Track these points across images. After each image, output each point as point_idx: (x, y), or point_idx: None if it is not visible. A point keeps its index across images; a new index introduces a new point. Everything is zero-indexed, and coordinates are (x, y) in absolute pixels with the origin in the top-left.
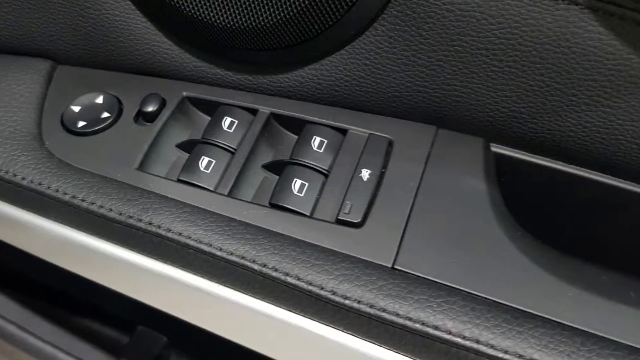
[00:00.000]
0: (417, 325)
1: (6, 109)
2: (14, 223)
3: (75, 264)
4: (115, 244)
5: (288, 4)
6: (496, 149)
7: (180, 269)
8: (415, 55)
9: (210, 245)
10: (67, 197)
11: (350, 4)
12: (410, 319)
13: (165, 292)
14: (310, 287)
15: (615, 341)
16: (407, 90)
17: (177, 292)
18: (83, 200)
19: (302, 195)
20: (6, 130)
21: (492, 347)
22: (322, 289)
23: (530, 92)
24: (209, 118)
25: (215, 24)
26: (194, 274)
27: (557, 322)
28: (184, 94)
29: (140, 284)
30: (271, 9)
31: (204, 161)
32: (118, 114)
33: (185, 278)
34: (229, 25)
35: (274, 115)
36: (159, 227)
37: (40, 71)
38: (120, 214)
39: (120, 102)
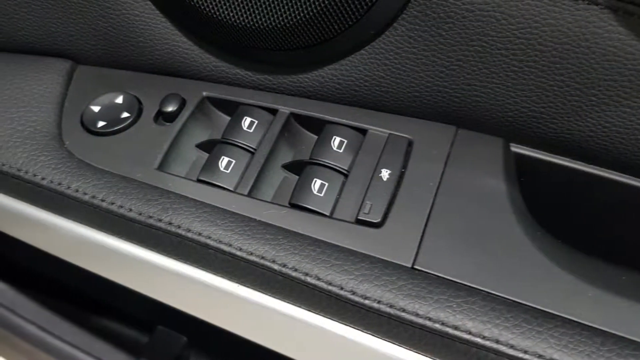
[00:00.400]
0: (437, 325)
1: (26, 108)
2: (33, 223)
3: (95, 264)
4: (135, 243)
5: (308, 4)
6: (516, 149)
7: (200, 268)
8: (435, 55)
9: (230, 245)
10: (87, 197)
11: (370, 4)
12: (430, 319)
13: (184, 292)
14: (329, 287)
15: (635, 341)
16: (427, 90)
17: (197, 292)
18: (103, 200)
19: (321, 195)
20: (26, 130)
21: (511, 347)
22: (341, 289)
23: (550, 92)
24: (228, 118)
25: (235, 24)
26: (214, 273)
27: (576, 322)
28: (204, 94)
29: (160, 283)
30: (291, 9)
31: (223, 161)
32: (138, 114)
33: (205, 278)
34: (249, 25)
35: (293, 115)
36: (179, 227)
37: (60, 71)
38: (140, 214)
39: (140, 102)
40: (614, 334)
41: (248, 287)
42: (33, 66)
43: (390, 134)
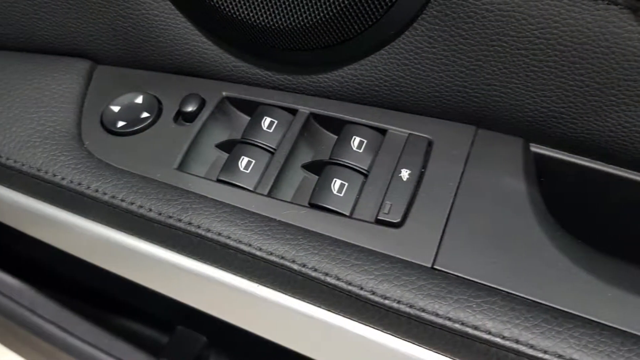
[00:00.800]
0: (457, 325)
1: (46, 109)
2: (53, 223)
3: (115, 264)
4: (155, 243)
5: (328, 4)
6: (536, 149)
7: (219, 268)
8: (454, 55)
9: (250, 245)
10: (106, 197)
11: (389, 4)
12: (449, 319)
13: (204, 292)
14: (349, 287)
15: None
16: (447, 90)
17: (217, 292)
18: (123, 200)
19: (341, 195)
20: (46, 130)
21: (531, 347)
22: (361, 288)
23: (570, 92)
24: (248, 118)
25: (254, 24)
26: (234, 273)
27: (596, 322)
28: (224, 94)
29: (180, 283)
30: (311, 9)
31: (243, 161)
32: (157, 114)
33: (224, 278)
34: (268, 25)
35: (313, 115)
36: (199, 227)
37: (79, 71)
38: (160, 213)
39: (159, 102)
40: (634, 334)
41: (268, 287)
42: (53, 66)
43: (410, 134)
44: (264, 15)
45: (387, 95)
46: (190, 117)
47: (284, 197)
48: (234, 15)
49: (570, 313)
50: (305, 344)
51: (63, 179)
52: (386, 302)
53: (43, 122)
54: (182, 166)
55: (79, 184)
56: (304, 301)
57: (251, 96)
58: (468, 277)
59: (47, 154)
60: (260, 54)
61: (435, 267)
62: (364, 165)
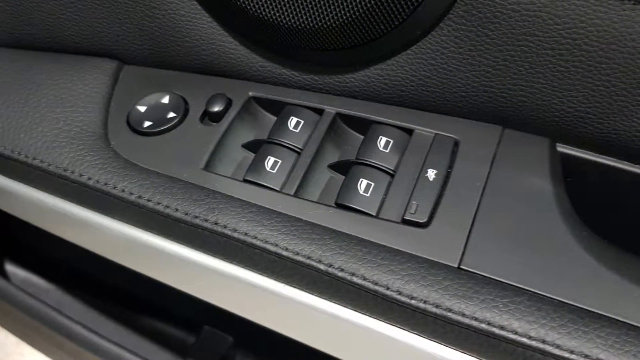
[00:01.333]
0: (483, 325)
1: (73, 109)
2: (80, 223)
3: (141, 264)
4: (181, 244)
5: (354, 4)
6: (562, 149)
7: (246, 269)
8: (481, 55)
9: (276, 245)
10: (133, 197)
11: (416, 4)
12: (476, 319)
13: (231, 292)
14: (376, 287)
15: None
16: (473, 90)
17: (243, 292)
18: (149, 201)
19: (368, 195)
20: (72, 130)
21: (558, 347)
22: (388, 289)
23: (596, 92)
24: (274, 118)
25: (281, 24)
26: (260, 274)
27: (623, 322)
28: (250, 94)
29: (206, 284)
30: (337, 9)
31: (269, 161)
32: (184, 114)
33: (251, 278)
34: (295, 26)
35: (339, 115)
36: (225, 227)
37: (106, 71)
38: (186, 214)
39: (186, 102)
40: None
41: (294, 287)
42: (79, 66)
43: (436, 134)
44: (291, 15)
45: (413, 95)
46: (217, 117)
47: (310, 197)
48: (261, 16)
49: (597, 313)
50: (331, 344)
51: (89, 179)
52: (413, 302)
53: (70, 122)
54: (208, 166)
55: (106, 184)
56: (330, 301)
57: (277, 96)
58: (494, 277)
59: (73, 154)
60: (286, 54)
61: (461, 267)
62: (390, 165)
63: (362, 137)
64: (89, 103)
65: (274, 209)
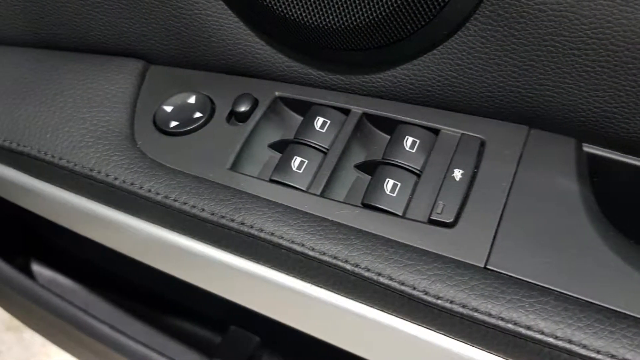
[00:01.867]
0: (510, 325)
1: (99, 108)
2: (106, 223)
3: (167, 264)
4: (208, 244)
5: (381, 4)
6: (588, 149)
7: (272, 269)
8: (507, 55)
9: (303, 245)
10: (159, 197)
11: (442, 4)
12: (502, 319)
13: (257, 292)
14: (402, 287)
15: None
16: (500, 90)
17: (270, 292)
18: (175, 200)
19: (394, 195)
20: (99, 130)
21: (584, 347)
22: (414, 289)
23: (623, 92)
24: (301, 118)
25: (307, 24)
26: (287, 274)
27: None
28: (276, 93)
29: (233, 284)
30: (364, 9)
31: (296, 161)
32: (210, 114)
33: (277, 278)
34: (321, 26)
35: (366, 115)
36: (251, 227)
37: (132, 71)
38: (213, 214)
39: (212, 102)
40: None
41: (320, 287)
42: (105, 66)
43: (462, 134)
44: (317, 15)
45: (439, 95)
46: (243, 117)
47: (336, 197)
48: (287, 16)
49: (623, 313)
50: (358, 344)
51: (116, 179)
52: (439, 302)
53: (96, 122)
54: (234, 166)
55: (132, 184)
56: (356, 301)
57: (304, 96)
58: (521, 277)
59: (99, 154)
60: (313, 54)
61: (487, 267)
62: (416, 165)
63: (389, 137)
64: (115, 103)
65: (300, 209)
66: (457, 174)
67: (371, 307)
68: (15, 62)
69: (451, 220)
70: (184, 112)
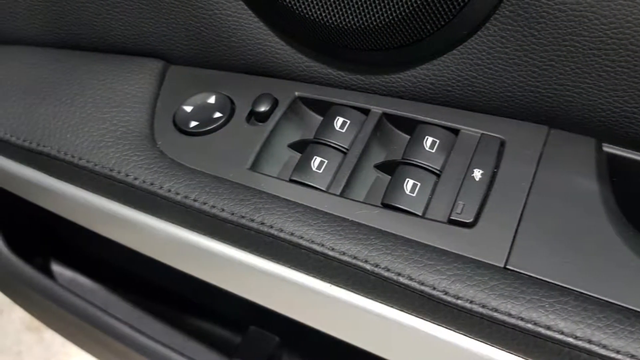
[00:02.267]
0: (530, 325)
1: (119, 108)
2: (126, 223)
3: (187, 264)
4: (227, 244)
5: (401, 4)
6: (608, 149)
7: (292, 269)
8: (527, 55)
9: (323, 245)
10: (179, 197)
11: (462, 4)
12: (522, 319)
13: (277, 292)
14: (422, 287)
15: None
16: (519, 90)
17: (289, 292)
18: (195, 200)
19: (414, 195)
20: (119, 130)
21: (604, 347)
22: (434, 289)
23: None
24: (321, 118)
25: (327, 24)
26: (306, 274)
27: None
28: (296, 93)
29: (252, 284)
30: (384, 9)
31: (316, 161)
32: (230, 114)
33: (297, 278)
34: (341, 25)
35: (386, 115)
36: (271, 227)
37: (152, 71)
38: (233, 214)
39: (232, 102)
40: None
41: (340, 287)
42: (125, 66)
43: (482, 134)
44: (337, 15)
45: (459, 95)
46: (263, 117)
47: (356, 197)
48: (307, 16)
49: None
50: (377, 344)
51: (136, 179)
52: (459, 302)
53: (116, 122)
54: (254, 166)
55: (152, 183)
56: (376, 301)
57: (324, 96)
58: (540, 277)
59: (119, 154)
60: (333, 54)
61: (507, 267)
62: (436, 165)
63: (409, 137)
64: (135, 103)
65: (320, 209)
66: (477, 174)
67: (391, 307)
68: (34, 62)
69: (471, 220)
70: (203, 112)
